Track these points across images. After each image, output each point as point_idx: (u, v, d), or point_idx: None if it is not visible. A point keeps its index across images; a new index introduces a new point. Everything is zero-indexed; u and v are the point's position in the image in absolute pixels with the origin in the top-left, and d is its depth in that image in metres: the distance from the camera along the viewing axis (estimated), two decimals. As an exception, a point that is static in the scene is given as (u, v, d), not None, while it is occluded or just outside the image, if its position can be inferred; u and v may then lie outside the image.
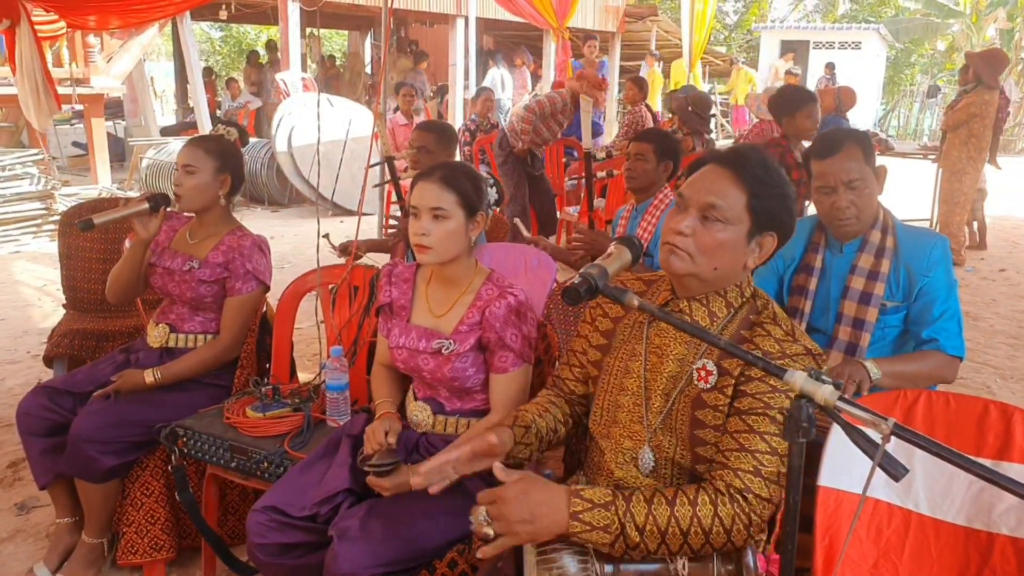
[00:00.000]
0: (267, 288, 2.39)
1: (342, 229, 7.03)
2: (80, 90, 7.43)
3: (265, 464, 1.98)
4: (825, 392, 0.99)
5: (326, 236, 2.71)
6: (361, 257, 2.82)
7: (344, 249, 3.12)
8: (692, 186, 1.40)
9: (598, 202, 4.91)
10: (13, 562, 2.36)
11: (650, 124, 6.57)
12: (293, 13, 9.73)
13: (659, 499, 1.28)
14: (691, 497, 1.28)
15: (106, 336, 3.02)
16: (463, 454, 1.42)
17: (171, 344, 2.34)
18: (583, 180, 6.06)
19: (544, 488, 1.29)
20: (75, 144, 11.34)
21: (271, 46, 13.99)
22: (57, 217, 6.29)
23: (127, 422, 2.16)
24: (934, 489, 1.46)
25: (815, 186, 2.01)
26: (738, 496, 1.27)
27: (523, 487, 1.28)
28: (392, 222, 4.94)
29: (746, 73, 15.07)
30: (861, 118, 15.69)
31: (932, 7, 20.28)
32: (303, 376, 2.69)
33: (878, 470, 0.94)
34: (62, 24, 5.38)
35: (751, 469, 1.27)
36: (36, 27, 4.63)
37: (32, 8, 4.58)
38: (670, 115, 6.79)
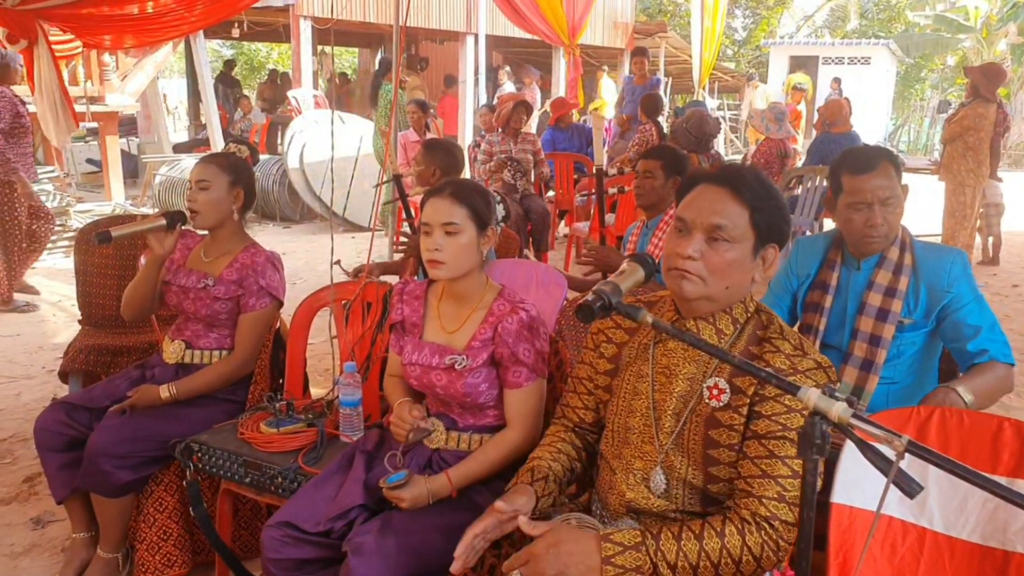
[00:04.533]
0: (280, 304, 2.42)
1: (353, 245, 7.08)
2: (95, 108, 7.52)
3: (279, 479, 1.99)
4: (839, 409, 0.99)
5: (338, 262, 2.73)
6: (374, 279, 2.84)
7: (356, 273, 3.14)
8: (692, 208, 1.40)
9: (608, 218, 4.94)
10: (29, 576, 2.38)
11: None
12: (305, 31, 9.85)
13: (687, 534, 1.28)
14: (718, 529, 1.28)
15: (121, 352, 3.05)
16: (488, 525, 1.42)
17: (187, 360, 2.36)
18: (592, 196, 6.13)
19: (573, 538, 1.28)
20: (89, 161, 11.46)
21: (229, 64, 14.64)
22: (72, 233, 6.35)
23: (142, 437, 2.17)
24: (948, 506, 1.45)
25: (847, 201, 1.99)
26: (765, 524, 1.27)
27: (552, 540, 1.28)
28: (402, 239, 4.99)
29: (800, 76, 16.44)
30: (870, 133, 15.72)
31: (942, 22, 20.29)
32: (315, 391, 2.71)
33: (892, 487, 0.95)
34: (78, 44, 5.47)
35: (775, 496, 1.27)
36: (53, 46, 4.70)
37: (49, 28, 4.65)
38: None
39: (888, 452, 0.97)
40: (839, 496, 1.44)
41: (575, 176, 6.66)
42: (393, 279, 3.79)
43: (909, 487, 0.91)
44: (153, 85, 9.63)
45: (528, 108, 6.04)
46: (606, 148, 7.93)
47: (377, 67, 9.13)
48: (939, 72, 24.76)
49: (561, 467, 1.56)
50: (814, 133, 17.69)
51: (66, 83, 5.15)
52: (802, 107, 12.70)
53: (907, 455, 0.94)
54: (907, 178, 2.06)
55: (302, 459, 2.02)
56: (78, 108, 6.22)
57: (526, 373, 1.79)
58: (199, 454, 2.12)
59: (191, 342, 2.37)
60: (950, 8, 20.82)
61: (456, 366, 1.80)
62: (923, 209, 7.47)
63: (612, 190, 4.05)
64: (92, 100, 7.43)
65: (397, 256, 3.87)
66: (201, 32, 8.77)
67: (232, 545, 2.25)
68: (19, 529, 2.62)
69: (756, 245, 1.38)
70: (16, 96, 5.25)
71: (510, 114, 5.89)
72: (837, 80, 16.31)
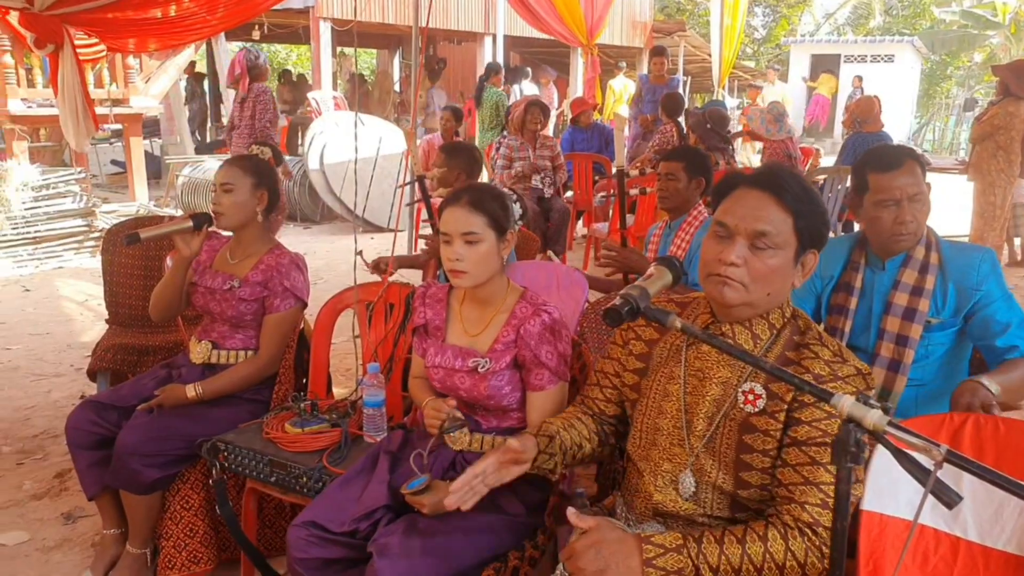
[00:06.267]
0: (305, 305, 2.43)
1: (373, 246, 7.11)
2: (119, 110, 7.62)
3: (304, 479, 2.00)
4: (874, 416, 0.98)
5: (359, 253, 2.75)
6: (394, 274, 2.86)
7: (376, 266, 3.16)
8: (734, 214, 1.37)
9: (629, 219, 4.91)
10: (61, 570, 2.42)
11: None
12: (325, 33, 9.91)
13: (730, 538, 1.27)
14: (761, 533, 1.27)
15: (147, 351, 3.09)
16: (489, 466, 1.44)
17: (213, 360, 2.38)
18: (611, 196, 6.09)
19: (616, 539, 1.28)
20: (113, 162, 11.61)
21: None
22: (98, 234, 6.44)
23: (170, 436, 2.20)
24: (983, 515, 1.43)
25: (874, 200, 1.97)
26: (808, 530, 1.26)
27: (595, 539, 1.28)
28: (422, 242, 5.03)
29: (831, 77, 17.95)
30: (894, 132, 15.58)
31: (969, 18, 19.98)
32: (338, 391, 2.72)
33: (929, 497, 0.93)
34: (102, 47, 5.54)
35: (819, 502, 1.26)
36: (78, 50, 4.76)
37: (75, 32, 4.71)
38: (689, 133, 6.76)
39: (925, 461, 0.95)
40: (869, 503, 1.42)
41: (595, 177, 6.63)
42: (415, 277, 3.81)
43: (948, 497, 0.90)
44: (176, 87, 9.74)
45: (544, 108, 5.89)
46: (627, 150, 7.89)
47: (483, 72, 10.01)
48: (966, 69, 24.38)
49: (570, 438, 1.56)
50: (836, 131, 17.47)
51: (91, 86, 5.23)
52: (761, 102, 12.56)
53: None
54: (933, 178, 2.04)
55: (327, 459, 2.03)
56: (103, 110, 6.32)
57: (548, 376, 1.79)
58: (225, 453, 2.14)
59: (218, 343, 2.39)
60: (977, 4, 20.48)
61: (479, 369, 1.80)
62: (950, 209, 7.36)
63: (633, 191, 4.03)
64: (116, 102, 7.53)
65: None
66: (223, 34, 8.85)
67: (256, 543, 2.27)
68: (51, 524, 2.66)
69: (798, 251, 1.37)
70: (269, 89, 6.03)
71: (523, 116, 5.80)
72: (859, 78, 16.16)
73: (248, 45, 6.37)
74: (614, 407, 1.62)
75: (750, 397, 1.36)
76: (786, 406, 1.33)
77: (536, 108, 5.78)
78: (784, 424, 1.33)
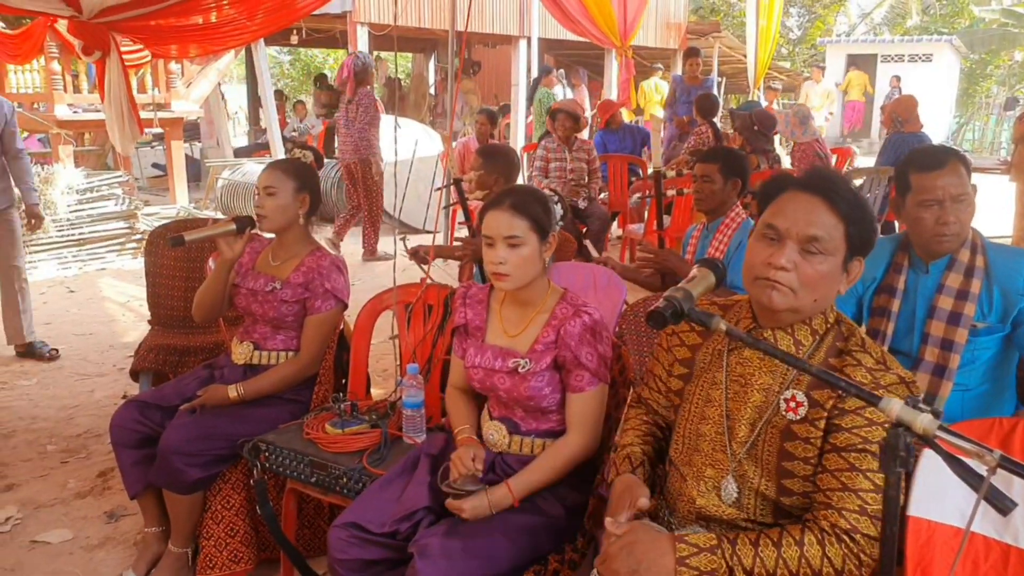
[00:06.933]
0: (345, 306, 2.46)
1: (408, 246, 7.17)
2: (161, 114, 7.79)
3: (344, 480, 2.03)
4: (924, 421, 0.97)
5: (403, 238, 2.78)
6: (432, 262, 2.87)
7: (415, 252, 3.19)
8: (785, 217, 1.35)
9: (666, 220, 4.88)
10: (104, 568, 2.47)
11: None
12: (362, 37, 10.01)
13: (765, 541, 1.26)
14: (797, 538, 1.26)
15: (189, 351, 3.15)
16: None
17: (255, 361, 2.42)
18: (647, 197, 6.06)
19: (648, 538, 1.28)
20: (154, 165, 11.87)
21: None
22: (140, 236, 6.59)
23: (212, 436, 2.24)
24: (1035, 523, 1.39)
25: (916, 200, 1.94)
26: (845, 537, 1.25)
27: (628, 540, 1.29)
28: (457, 243, 5.05)
29: (860, 75, 17.83)
30: (933, 132, 15.27)
31: (1011, 16, 19.52)
32: (375, 392, 2.75)
33: (982, 503, 0.91)
34: (147, 54, 5.69)
35: (857, 509, 1.25)
36: (123, 56, 4.89)
37: (121, 39, 4.84)
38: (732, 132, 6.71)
39: (976, 466, 0.93)
40: (916, 509, 1.40)
41: (631, 179, 6.60)
42: (451, 279, 3.83)
43: (1002, 504, 0.88)
44: (216, 91, 9.92)
45: (570, 115, 5.77)
46: (663, 151, 7.85)
47: (537, 75, 10.40)
48: (1006, 68, 23.77)
49: (652, 450, 1.59)
50: (873, 132, 17.11)
51: (135, 91, 5.36)
52: (776, 106, 12.33)
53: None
54: (974, 178, 2.01)
55: (367, 460, 2.05)
56: (147, 115, 6.48)
57: (588, 377, 1.79)
58: (266, 453, 2.17)
59: (259, 343, 2.43)
60: (1018, 1, 19.99)
61: (519, 369, 1.80)
62: (992, 210, 7.18)
63: (671, 192, 4.01)
64: (159, 107, 7.70)
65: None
66: (262, 39, 9.00)
67: (296, 543, 2.30)
68: (94, 522, 2.72)
69: (846, 257, 1.35)
70: (373, 93, 6.34)
71: (552, 124, 5.80)
72: (897, 78, 15.90)
73: (356, 52, 6.56)
74: (666, 411, 1.62)
75: (792, 405, 1.34)
76: (826, 413, 1.32)
77: (562, 115, 5.73)
78: (824, 431, 1.31)
